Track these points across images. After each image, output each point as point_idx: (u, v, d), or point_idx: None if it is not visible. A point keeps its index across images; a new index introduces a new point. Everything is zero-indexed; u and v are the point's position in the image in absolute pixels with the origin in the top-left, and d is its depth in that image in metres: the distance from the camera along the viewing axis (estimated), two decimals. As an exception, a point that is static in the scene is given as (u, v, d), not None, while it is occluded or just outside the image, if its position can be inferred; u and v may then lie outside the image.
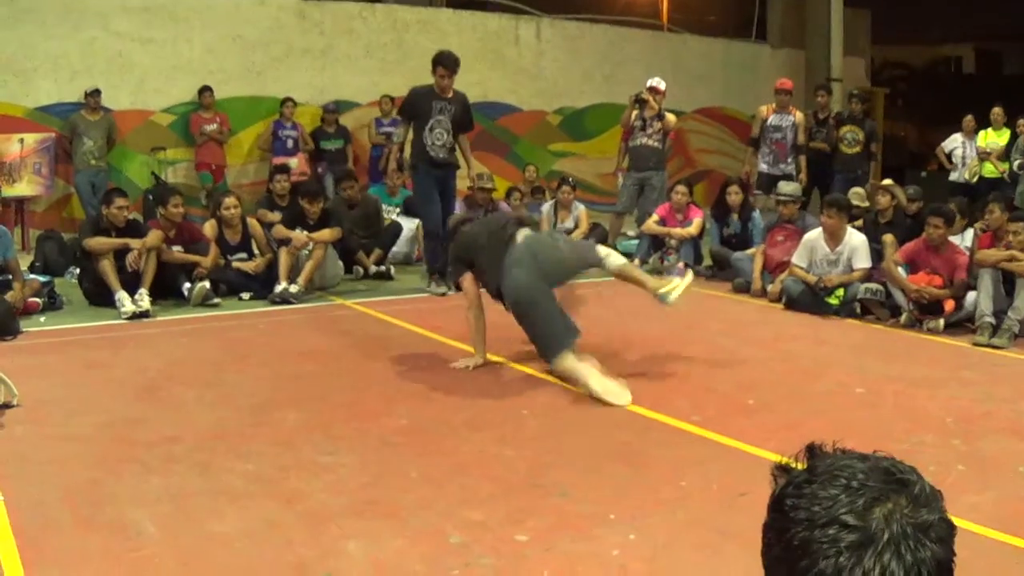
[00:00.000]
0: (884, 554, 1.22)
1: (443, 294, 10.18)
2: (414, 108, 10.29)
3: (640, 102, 12.59)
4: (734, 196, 11.69)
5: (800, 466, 1.38)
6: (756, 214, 11.80)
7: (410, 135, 10.42)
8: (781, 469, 1.40)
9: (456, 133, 10.36)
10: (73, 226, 12.42)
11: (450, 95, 10.26)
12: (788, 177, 12.64)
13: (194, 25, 14.08)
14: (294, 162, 14.00)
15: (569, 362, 6.62)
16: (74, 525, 4.28)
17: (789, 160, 13.07)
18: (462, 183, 12.25)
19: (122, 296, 8.94)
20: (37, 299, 9.06)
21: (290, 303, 9.65)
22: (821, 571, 1.24)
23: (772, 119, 13.16)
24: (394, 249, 12.08)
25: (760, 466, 4.85)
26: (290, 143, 14.30)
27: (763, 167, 13.20)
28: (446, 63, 10.13)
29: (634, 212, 12.97)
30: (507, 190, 13.98)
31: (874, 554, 1.22)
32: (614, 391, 6.34)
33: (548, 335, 6.78)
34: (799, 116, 13.22)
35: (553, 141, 17.56)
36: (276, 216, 10.89)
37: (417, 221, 11.46)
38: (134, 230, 9.56)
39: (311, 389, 6.59)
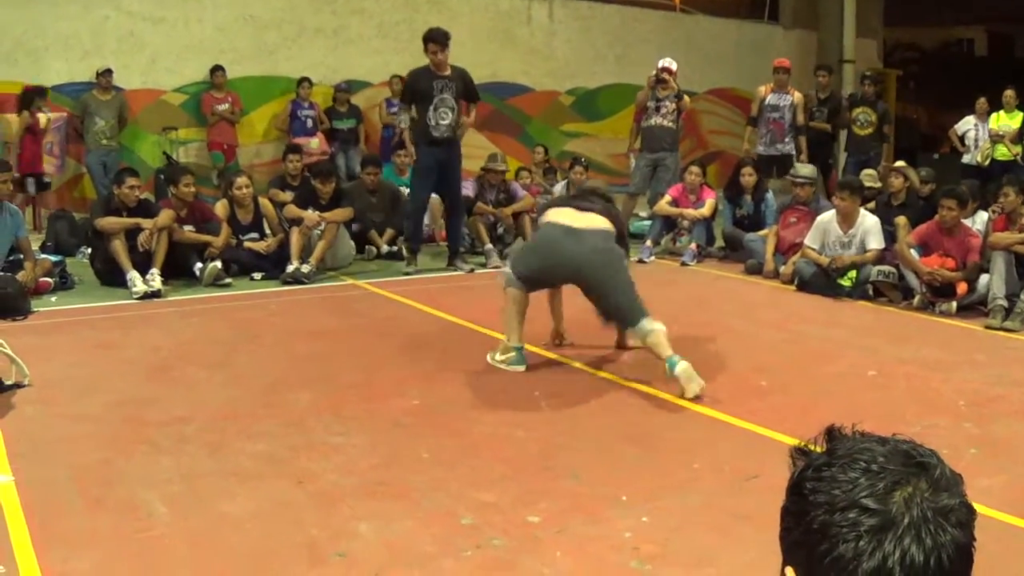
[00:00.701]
0: (904, 538, 1.21)
1: (407, 275, 10.27)
2: (415, 90, 10.33)
3: (661, 81, 12.49)
4: (747, 177, 11.65)
5: (819, 449, 1.36)
6: (769, 195, 11.76)
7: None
8: (800, 452, 1.38)
9: (467, 106, 10.50)
10: (85, 206, 12.41)
11: (448, 72, 10.26)
12: (786, 157, 12.59)
13: (206, 4, 14.06)
14: (315, 142, 14.02)
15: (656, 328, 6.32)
16: (84, 505, 4.29)
17: (787, 140, 12.96)
18: (475, 163, 12.23)
19: (133, 276, 8.94)
20: (48, 279, 9.09)
21: (302, 283, 9.65)
22: (841, 555, 1.22)
23: (770, 99, 13.04)
24: None
25: (772, 448, 4.87)
26: (309, 123, 14.30)
27: (760, 148, 13.09)
28: (436, 38, 10.16)
29: (647, 193, 12.92)
30: (516, 170, 13.95)
31: (894, 538, 1.21)
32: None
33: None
34: (797, 96, 13.07)
35: (565, 121, 17.53)
36: (288, 196, 10.88)
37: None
38: (146, 210, 9.55)
39: (322, 369, 6.59)
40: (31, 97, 12.36)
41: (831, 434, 1.38)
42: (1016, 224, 8.72)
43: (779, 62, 13.27)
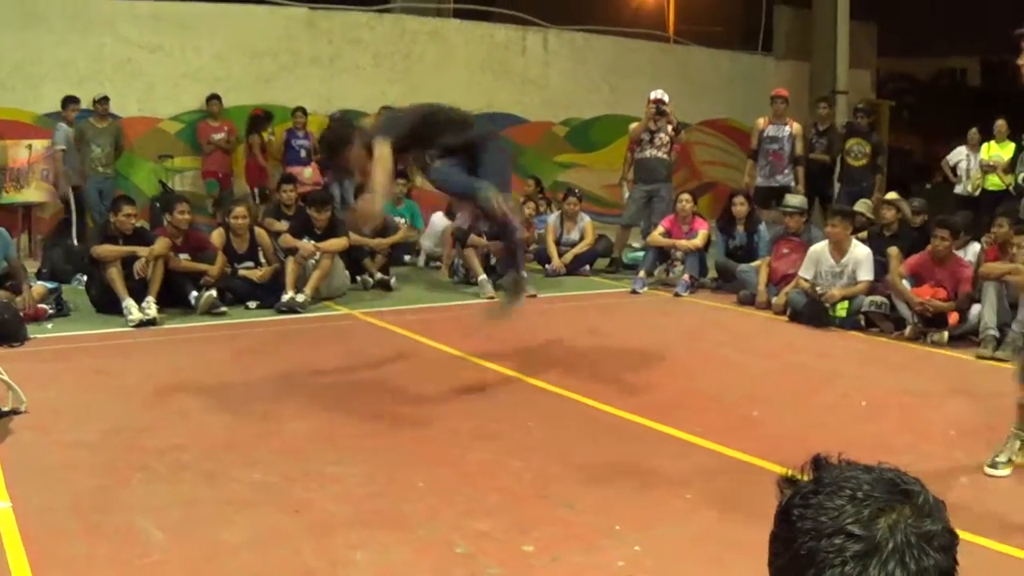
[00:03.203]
0: (889, 563, 1.25)
1: (492, 298, 10.25)
2: None
3: (661, 112, 12.53)
4: (739, 207, 11.67)
5: (806, 477, 1.40)
6: (762, 226, 11.77)
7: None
8: (787, 481, 1.42)
9: None
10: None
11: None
12: (785, 189, 12.53)
13: (203, 33, 14.12)
14: (308, 172, 14.03)
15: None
16: (82, 532, 4.31)
17: (786, 172, 12.92)
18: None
19: (129, 304, 8.96)
20: (44, 306, 9.10)
21: (296, 312, 9.66)
22: (828, 580, 1.26)
23: (769, 130, 13.01)
24: (425, 244, 12.49)
25: (765, 478, 4.87)
26: (303, 152, 14.30)
27: (759, 180, 13.06)
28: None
29: (640, 224, 12.95)
30: (522, 201, 14.00)
31: (879, 563, 1.25)
32: None
33: None
34: (796, 127, 13.04)
35: (559, 152, 17.57)
36: (283, 225, 10.90)
37: (447, 222, 11.43)
38: (141, 238, 9.57)
39: (317, 398, 6.61)
40: (261, 122, 14.17)
41: (818, 463, 1.41)
42: (1007, 254, 8.76)
43: (777, 91, 13.20)
